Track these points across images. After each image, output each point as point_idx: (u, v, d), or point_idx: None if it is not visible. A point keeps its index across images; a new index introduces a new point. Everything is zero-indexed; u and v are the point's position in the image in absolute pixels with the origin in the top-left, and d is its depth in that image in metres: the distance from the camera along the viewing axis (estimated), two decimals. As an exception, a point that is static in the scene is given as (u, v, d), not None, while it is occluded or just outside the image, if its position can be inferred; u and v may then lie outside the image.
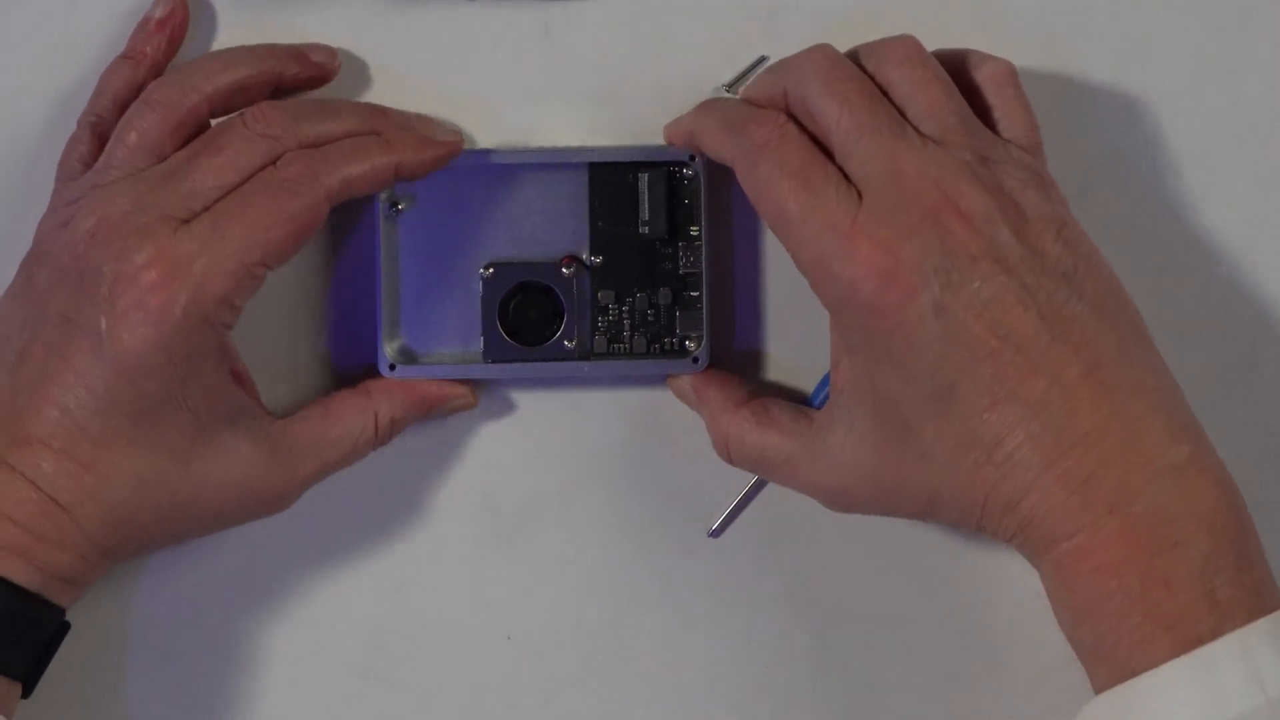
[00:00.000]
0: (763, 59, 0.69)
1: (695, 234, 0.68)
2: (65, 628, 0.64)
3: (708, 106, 0.66)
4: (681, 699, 0.70)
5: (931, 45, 0.69)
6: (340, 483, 0.69)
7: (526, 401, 0.69)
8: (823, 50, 0.63)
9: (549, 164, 0.68)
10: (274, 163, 0.63)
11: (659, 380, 0.69)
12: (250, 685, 0.69)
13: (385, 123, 0.66)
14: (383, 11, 0.69)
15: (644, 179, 0.68)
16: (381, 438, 0.67)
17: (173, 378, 0.61)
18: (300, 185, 0.62)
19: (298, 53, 0.67)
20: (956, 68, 0.64)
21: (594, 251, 0.68)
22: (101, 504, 0.62)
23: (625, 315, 0.68)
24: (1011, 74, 0.63)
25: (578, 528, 0.70)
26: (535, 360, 0.68)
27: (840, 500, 0.64)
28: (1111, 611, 0.58)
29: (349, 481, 0.69)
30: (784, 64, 0.64)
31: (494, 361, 0.68)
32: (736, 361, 0.69)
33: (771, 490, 0.70)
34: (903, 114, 0.61)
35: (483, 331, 0.68)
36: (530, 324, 0.68)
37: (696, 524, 0.70)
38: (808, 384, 0.69)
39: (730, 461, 0.66)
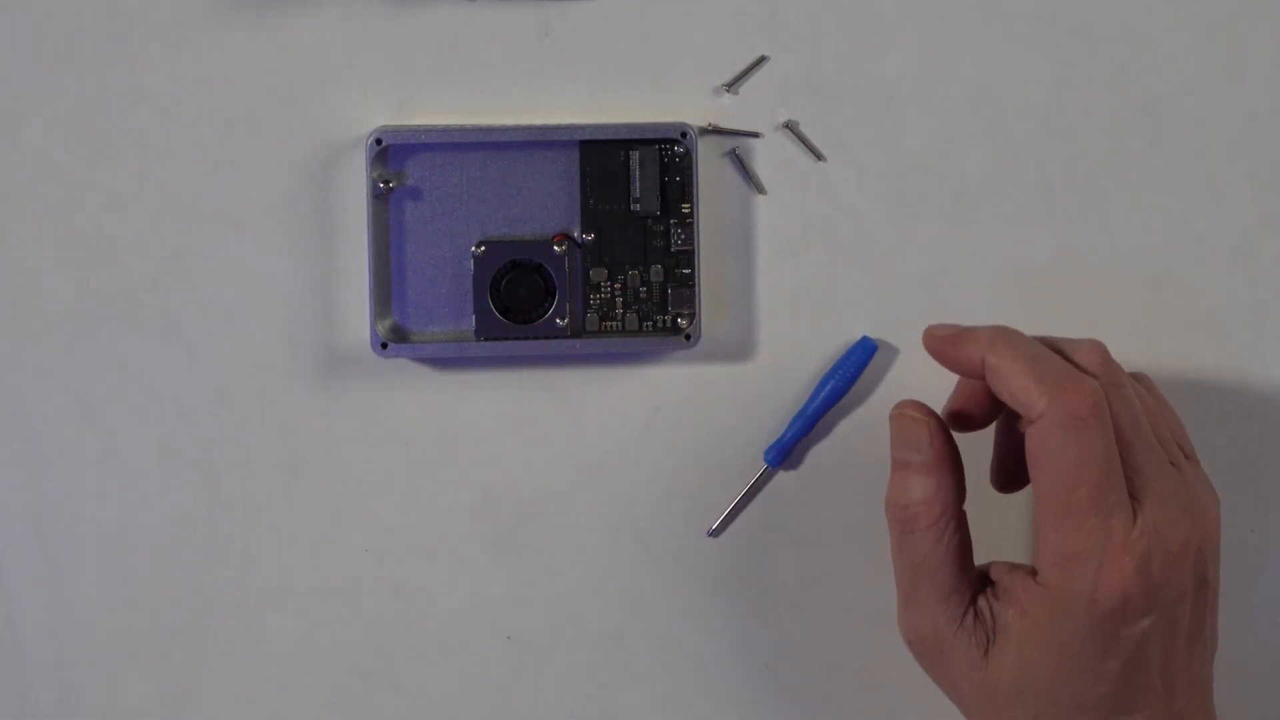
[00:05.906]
0: (763, 59, 0.69)
1: (687, 211, 0.68)
2: None
3: (1012, 340, 0.61)
4: (681, 699, 0.70)
5: (930, 47, 0.69)
6: (340, 482, 0.69)
7: (527, 400, 0.69)
8: (1099, 350, 0.62)
9: (540, 142, 0.68)
10: None
11: (652, 358, 0.69)
12: (250, 685, 0.69)
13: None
14: (383, 11, 0.69)
15: (635, 156, 0.68)
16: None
17: None
18: None
19: None
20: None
21: (586, 229, 0.68)
22: None
23: (617, 293, 0.69)
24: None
25: (578, 528, 0.70)
26: (527, 338, 0.68)
27: (924, 657, 0.64)
28: None
29: (349, 480, 0.69)
30: (1097, 355, 0.62)
31: (486, 339, 0.68)
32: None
33: (771, 490, 0.70)
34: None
35: (474, 309, 0.68)
36: (522, 302, 0.68)
37: (696, 524, 0.70)
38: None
39: (895, 520, 0.64)
